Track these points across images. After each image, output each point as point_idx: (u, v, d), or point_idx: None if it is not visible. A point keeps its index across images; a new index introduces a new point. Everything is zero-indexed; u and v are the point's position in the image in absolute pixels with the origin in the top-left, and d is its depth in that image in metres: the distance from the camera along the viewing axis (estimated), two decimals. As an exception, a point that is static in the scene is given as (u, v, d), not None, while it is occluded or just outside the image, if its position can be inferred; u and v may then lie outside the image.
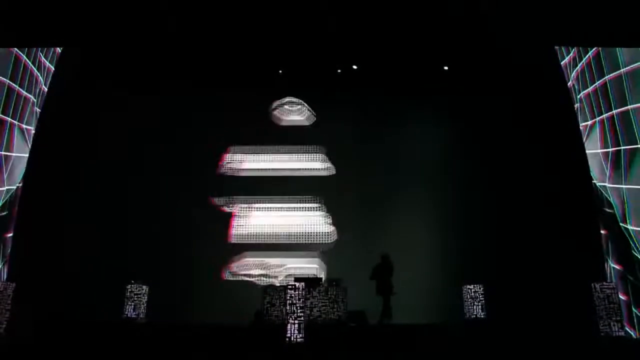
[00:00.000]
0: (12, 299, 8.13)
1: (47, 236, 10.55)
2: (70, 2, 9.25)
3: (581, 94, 11.00)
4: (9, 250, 10.31)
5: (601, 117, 10.42)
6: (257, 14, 9.67)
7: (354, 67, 11.84)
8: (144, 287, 9.32)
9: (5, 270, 10.16)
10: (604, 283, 8.60)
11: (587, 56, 10.74)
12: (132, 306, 9.08)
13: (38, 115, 11.15)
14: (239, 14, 9.72)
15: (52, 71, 11.33)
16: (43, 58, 11.08)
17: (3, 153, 10.24)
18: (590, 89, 10.71)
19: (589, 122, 10.77)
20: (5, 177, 10.27)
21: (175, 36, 10.39)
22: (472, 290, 9.33)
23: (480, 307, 9.18)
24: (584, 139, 10.94)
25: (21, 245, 10.44)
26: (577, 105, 11.18)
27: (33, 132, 11.02)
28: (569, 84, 11.35)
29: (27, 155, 10.84)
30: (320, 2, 9.34)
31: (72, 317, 9.37)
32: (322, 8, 9.37)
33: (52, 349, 6.99)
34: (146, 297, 9.30)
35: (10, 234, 10.45)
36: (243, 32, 10.37)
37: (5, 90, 10.23)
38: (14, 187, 10.60)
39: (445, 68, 11.78)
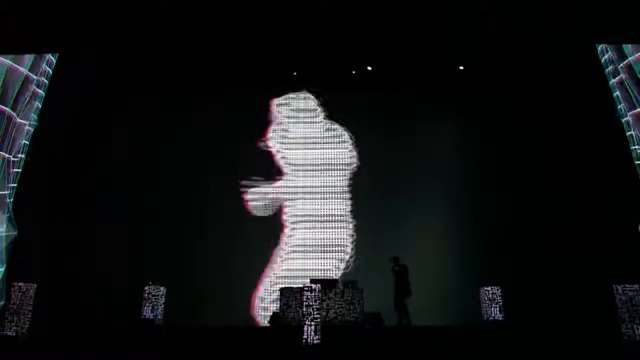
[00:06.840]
0: (34, 300, 8.27)
1: (68, 238, 10.72)
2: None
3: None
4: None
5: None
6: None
7: (369, 68, 11.78)
8: (162, 288, 9.42)
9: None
10: (627, 285, 8.40)
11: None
12: (150, 307, 9.18)
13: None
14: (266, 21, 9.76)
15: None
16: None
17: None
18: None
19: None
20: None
21: (192, 38, 10.43)
22: (490, 292, 9.22)
23: (498, 309, 9.07)
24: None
25: (42, 247, 10.63)
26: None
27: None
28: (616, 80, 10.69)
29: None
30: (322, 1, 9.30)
31: (91, 318, 9.53)
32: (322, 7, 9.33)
33: (72, 349, 7.11)
34: (164, 299, 9.40)
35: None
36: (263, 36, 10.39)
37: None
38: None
39: (461, 68, 11.63)
